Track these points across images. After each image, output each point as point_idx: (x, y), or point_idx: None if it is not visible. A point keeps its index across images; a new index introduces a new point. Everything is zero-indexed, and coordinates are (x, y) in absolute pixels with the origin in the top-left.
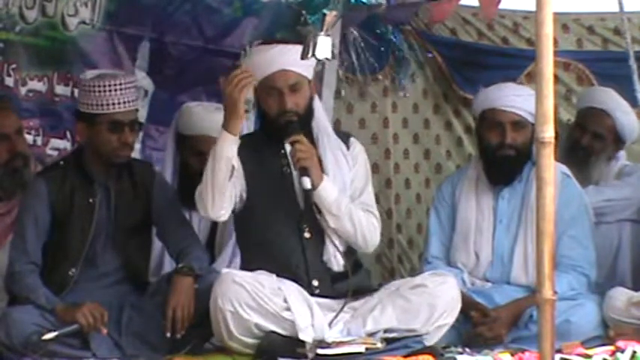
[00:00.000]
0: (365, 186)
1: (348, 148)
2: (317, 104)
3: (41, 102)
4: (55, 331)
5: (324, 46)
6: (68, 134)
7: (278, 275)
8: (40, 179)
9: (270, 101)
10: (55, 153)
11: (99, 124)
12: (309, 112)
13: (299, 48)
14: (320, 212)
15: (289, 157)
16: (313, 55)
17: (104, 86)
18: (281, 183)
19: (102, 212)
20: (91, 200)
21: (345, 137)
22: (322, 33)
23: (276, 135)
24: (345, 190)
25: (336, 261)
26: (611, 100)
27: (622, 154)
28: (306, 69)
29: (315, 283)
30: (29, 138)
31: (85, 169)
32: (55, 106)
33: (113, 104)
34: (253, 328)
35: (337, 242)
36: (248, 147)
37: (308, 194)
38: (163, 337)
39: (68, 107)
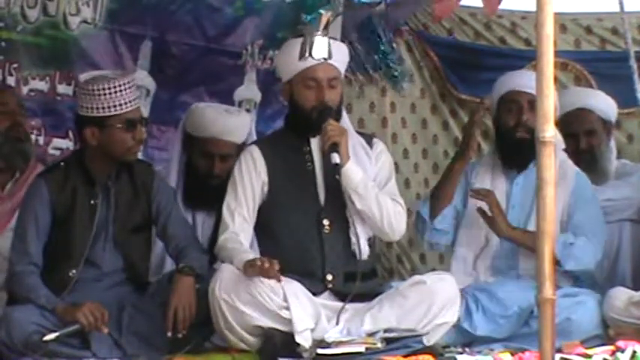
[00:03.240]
0: (388, 179)
1: (371, 147)
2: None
3: (43, 101)
4: (55, 331)
5: (321, 46)
6: (70, 134)
7: (292, 268)
8: (40, 180)
9: (307, 93)
10: (58, 152)
11: (111, 126)
12: (340, 108)
13: (339, 44)
14: (344, 195)
15: (312, 154)
16: (310, 55)
17: (112, 87)
18: (303, 178)
19: (103, 213)
20: (92, 202)
21: (368, 138)
22: (319, 33)
23: (307, 130)
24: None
25: (360, 249)
26: (580, 95)
27: (612, 142)
28: (342, 65)
29: (330, 277)
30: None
31: (87, 170)
32: (57, 105)
33: (125, 104)
34: (250, 322)
35: (360, 232)
36: (272, 142)
37: (335, 173)
38: (164, 337)
39: (70, 106)
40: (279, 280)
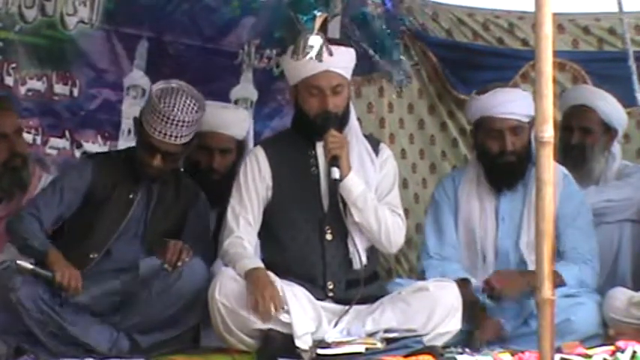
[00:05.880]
0: (391, 189)
1: (377, 154)
2: (351, 107)
3: (40, 101)
4: (32, 265)
5: (315, 47)
6: (67, 133)
7: (294, 274)
8: (87, 160)
9: (311, 101)
10: (55, 152)
11: (141, 138)
12: (346, 113)
13: (344, 49)
14: (345, 207)
15: (318, 159)
16: (304, 56)
17: (162, 115)
18: (307, 183)
19: (138, 210)
20: (131, 196)
21: (375, 143)
22: (313, 34)
23: (311, 134)
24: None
25: (359, 259)
26: (588, 93)
27: (617, 149)
28: (347, 71)
29: (331, 285)
30: (28, 137)
31: (135, 166)
32: (54, 105)
33: (160, 132)
34: (249, 326)
35: (359, 242)
36: (277, 145)
37: (335, 186)
38: (160, 336)
39: (67, 106)
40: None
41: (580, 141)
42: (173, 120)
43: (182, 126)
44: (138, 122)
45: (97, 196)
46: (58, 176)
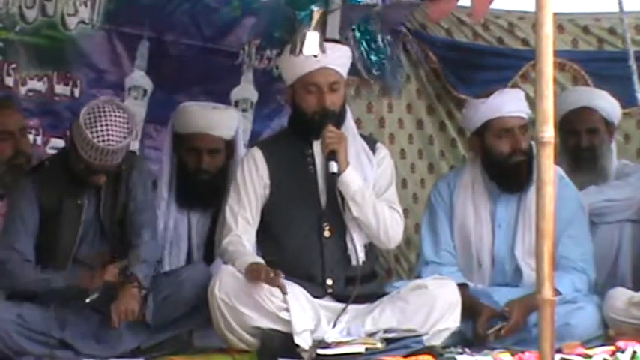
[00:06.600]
0: (389, 186)
1: (374, 152)
2: (347, 107)
3: (41, 101)
4: (94, 293)
5: (312, 42)
6: (68, 134)
7: (293, 272)
8: (27, 180)
9: (309, 98)
10: (55, 152)
11: (77, 155)
12: (342, 111)
13: (339, 47)
14: (343, 202)
15: (315, 157)
16: (301, 52)
17: (95, 146)
18: (305, 182)
19: (90, 212)
20: (79, 201)
21: (372, 142)
22: (310, 30)
23: (309, 133)
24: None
25: (357, 255)
26: (585, 94)
27: (614, 146)
28: (343, 68)
29: (330, 282)
30: (29, 137)
31: (73, 170)
32: (55, 105)
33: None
34: (249, 323)
35: (357, 238)
36: (274, 145)
37: (333, 181)
38: (159, 337)
39: (68, 107)
40: (284, 292)
41: (590, 142)
42: (110, 151)
43: (120, 151)
44: (71, 145)
45: (47, 212)
46: (11, 209)
